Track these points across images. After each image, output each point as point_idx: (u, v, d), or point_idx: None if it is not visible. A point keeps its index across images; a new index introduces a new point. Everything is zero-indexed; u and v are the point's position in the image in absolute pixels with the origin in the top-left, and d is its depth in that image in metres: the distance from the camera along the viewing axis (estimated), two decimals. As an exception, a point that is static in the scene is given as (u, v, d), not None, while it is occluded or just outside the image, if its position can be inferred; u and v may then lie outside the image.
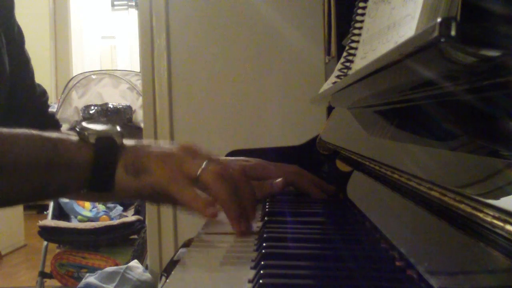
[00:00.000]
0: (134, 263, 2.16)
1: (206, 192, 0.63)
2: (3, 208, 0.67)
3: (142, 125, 2.16)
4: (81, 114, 2.80)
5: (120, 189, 0.63)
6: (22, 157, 0.59)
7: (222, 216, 0.71)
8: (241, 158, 0.86)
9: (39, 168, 0.60)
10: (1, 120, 0.86)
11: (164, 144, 0.67)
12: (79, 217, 2.71)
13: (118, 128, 0.65)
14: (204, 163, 0.62)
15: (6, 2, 0.87)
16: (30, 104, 0.93)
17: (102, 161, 0.62)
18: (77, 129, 0.63)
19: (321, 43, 1.48)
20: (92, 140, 0.62)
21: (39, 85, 0.97)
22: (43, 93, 0.98)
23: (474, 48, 0.28)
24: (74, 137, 0.63)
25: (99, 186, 0.62)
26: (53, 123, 0.99)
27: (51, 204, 2.67)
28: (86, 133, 0.62)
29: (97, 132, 0.63)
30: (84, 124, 0.64)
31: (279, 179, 0.79)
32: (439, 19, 0.28)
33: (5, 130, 0.59)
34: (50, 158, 0.60)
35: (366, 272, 0.45)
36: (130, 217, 2.64)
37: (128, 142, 0.65)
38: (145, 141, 0.67)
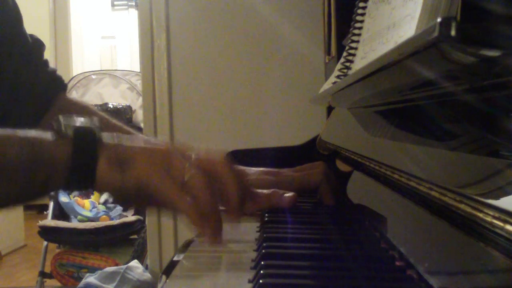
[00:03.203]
0: (134, 263, 2.16)
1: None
2: None
3: (142, 125, 2.16)
4: (81, 114, 2.79)
5: (103, 183, 0.58)
6: (3, 160, 0.56)
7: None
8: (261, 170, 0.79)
9: (19, 170, 0.57)
10: None
11: (148, 139, 0.62)
12: (79, 217, 2.71)
13: (96, 121, 0.60)
14: (193, 170, 0.57)
15: None
16: (19, 50, 0.89)
17: (82, 155, 0.57)
18: (53, 123, 0.59)
19: (321, 43, 1.48)
20: (70, 133, 0.58)
21: (31, 36, 0.92)
22: (38, 42, 0.93)
23: (474, 48, 0.28)
24: (50, 134, 0.59)
25: (78, 183, 0.58)
26: (55, 80, 0.95)
27: (51, 204, 2.67)
28: (62, 127, 0.58)
29: (74, 124, 0.58)
30: (60, 118, 0.59)
31: (291, 194, 0.71)
32: (439, 19, 0.28)
33: None
34: (29, 159, 0.57)
35: (366, 272, 0.45)
36: (130, 217, 2.64)
37: (108, 134, 0.60)
38: (128, 136, 0.62)
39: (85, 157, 0.57)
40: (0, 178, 0.56)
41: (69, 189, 0.59)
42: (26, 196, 0.60)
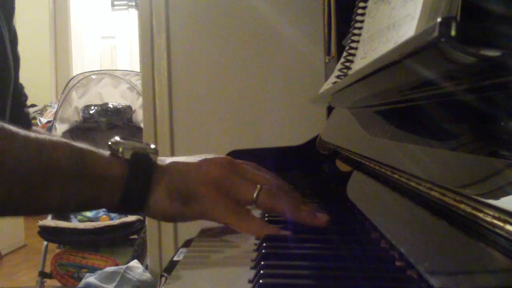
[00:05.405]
0: (134, 263, 2.16)
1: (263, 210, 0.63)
2: (19, 216, 0.64)
3: (142, 125, 2.16)
4: (81, 114, 2.80)
5: (157, 210, 0.60)
6: (44, 163, 0.55)
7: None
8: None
9: (62, 178, 0.56)
10: None
11: (198, 156, 0.63)
12: (79, 217, 2.71)
13: (152, 146, 0.62)
14: (258, 187, 0.60)
15: (8, 5, 0.90)
16: (13, 101, 0.93)
17: (137, 179, 0.58)
18: (109, 143, 0.60)
19: (321, 43, 1.48)
20: (127, 156, 0.59)
21: (20, 84, 0.98)
22: (23, 92, 0.99)
23: (474, 48, 0.28)
24: (104, 151, 0.60)
25: (129, 205, 0.59)
26: (25, 121, 0.98)
27: (51, 204, 2.66)
28: (120, 148, 0.59)
29: (133, 147, 0.60)
30: (117, 138, 0.61)
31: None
32: (439, 19, 0.28)
33: (31, 134, 0.56)
34: (77, 169, 0.57)
35: (366, 272, 0.45)
36: (130, 217, 2.63)
37: (162, 159, 0.62)
38: (178, 158, 0.63)
39: (140, 181, 0.58)
40: (49, 179, 0.56)
41: (117, 211, 0.61)
42: (63, 205, 0.59)
